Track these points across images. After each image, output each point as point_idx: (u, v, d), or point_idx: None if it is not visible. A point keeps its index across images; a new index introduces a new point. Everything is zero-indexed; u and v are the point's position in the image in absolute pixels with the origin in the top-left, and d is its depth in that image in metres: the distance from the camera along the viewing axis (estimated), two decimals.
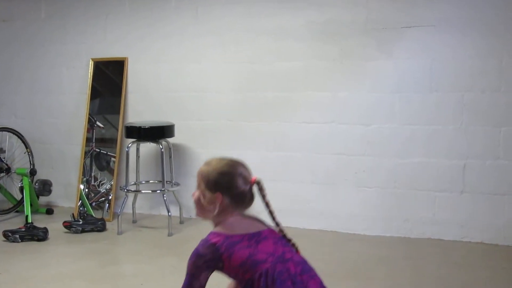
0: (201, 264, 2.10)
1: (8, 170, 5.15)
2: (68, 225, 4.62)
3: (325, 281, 3.53)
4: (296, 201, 4.76)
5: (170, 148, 4.91)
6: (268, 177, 4.84)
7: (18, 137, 5.35)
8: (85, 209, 4.97)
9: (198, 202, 2.26)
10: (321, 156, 4.65)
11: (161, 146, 4.73)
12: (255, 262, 2.07)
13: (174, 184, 4.95)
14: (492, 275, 3.63)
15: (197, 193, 2.27)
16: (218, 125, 4.97)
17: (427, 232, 4.42)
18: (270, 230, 2.21)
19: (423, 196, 4.42)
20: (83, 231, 4.62)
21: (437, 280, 3.54)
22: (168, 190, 4.83)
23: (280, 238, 2.22)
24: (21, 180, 4.98)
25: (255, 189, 2.24)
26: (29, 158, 5.36)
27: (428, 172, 4.39)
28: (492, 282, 3.50)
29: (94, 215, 4.84)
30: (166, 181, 4.86)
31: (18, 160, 5.40)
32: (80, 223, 4.64)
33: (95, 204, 5.18)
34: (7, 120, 5.57)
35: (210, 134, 5.01)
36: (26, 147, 5.37)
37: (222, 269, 2.12)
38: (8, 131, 5.29)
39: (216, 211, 2.20)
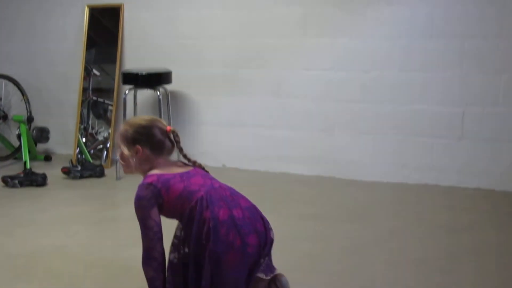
0: (146, 204, 2.27)
1: (5, 118, 5.13)
2: (66, 171, 4.63)
3: (323, 224, 3.59)
4: (294, 148, 4.77)
5: (167, 96, 4.89)
6: (266, 124, 4.91)
7: (14, 84, 5.31)
8: (83, 156, 4.98)
9: (122, 159, 2.44)
10: (320, 103, 4.64)
11: (158, 93, 4.70)
12: (190, 192, 2.26)
13: None
14: (488, 218, 3.67)
15: (119, 152, 2.44)
16: (216, 72, 4.94)
17: (425, 178, 4.44)
18: (195, 169, 2.41)
19: (421, 143, 4.43)
20: (81, 177, 4.63)
21: (434, 223, 3.58)
22: None
23: (205, 173, 2.41)
24: (19, 128, 4.96)
25: (172, 137, 2.41)
26: (26, 105, 5.33)
27: (426, 119, 4.38)
28: (488, 225, 3.54)
29: (91, 162, 4.85)
30: None
31: (15, 107, 5.37)
32: (79, 169, 4.65)
33: (93, 152, 5.18)
34: (2, 67, 5.52)
35: (208, 82, 4.98)
36: (23, 94, 5.34)
37: (162, 205, 2.29)
38: (4, 78, 5.25)
39: (139, 161, 2.37)
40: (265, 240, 2.29)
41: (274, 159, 4.83)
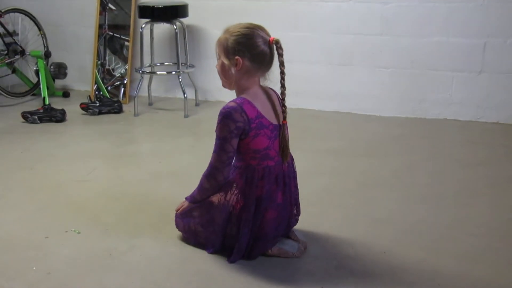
0: (233, 129, 2.22)
1: (22, 53, 5.12)
2: (85, 107, 4.66)
3: (341, 159, 3.60)
4: (312, 82, 4.73)
5: (184, 29, 4.84)
6: (283, 58, 4.81)
7: (31, 18, 5.28)
8: (101, 92, 5.00)
9: (221, 71, 2.34)
10: (338, 36, 4.57)
11: (175, 27, 4.66)
12: (267, 155, 2.26)
13: (189, 66, 4.92)
14: (506, 152, 3.66)
15: (218, 62, 2.34)
16: (232, 4, 4.85)
17: (443, 112, 4.41)
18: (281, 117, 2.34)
19: (440, 77, 4.37)
20: (100, 113, 4.66)
21: (451, 157, 3.58)
22: (183, 72, 4.81)
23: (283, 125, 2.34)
24: (36, 63, 4.97)
25: (273, 48, 2.29)
26: (43, 40, 5.31)
27: (446, 52, 4.31)
28: (505, 159, 3.53)
29: (110, 97, 4.87)
30: (181, 63, 4.82)
31: (32, 42, 5.36)
32: (97, 105, 4.67)
33: (111, 88, 5.19)
34: (17, 1, 5.47)
35: (225, 14, 4.90)
36: (39, 29, 5.31)
37: (241, 140, 2.24)
38: (20, 13, 5.21)
39: (238, 75, 2.28)
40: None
41: (291, 95, 4.76)
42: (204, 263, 2.33)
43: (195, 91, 4.96)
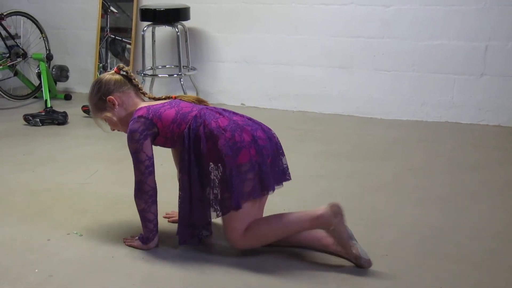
0: (138, 137, 2.33)
1: (24, 56, 5.13)
2: (87, 110, 4.65)
3: (341, 161, 3.60)
4: (312, 85, 4.74)
5: (185, 32, 4.85)
6: (285, 61, 4.87)
7: (33, 21, 5.29)
8: None
9: (110, 121, 2.49)
10: (339, 39, 4.57)
11: (177, 30, 4.67)
12: (184, 114, 2.34)
13: (191, 69, 4.93)
14: (508, 155, 3.66)
15: (107, 121, 2.50)
16: (233, 7, 4.86)
17: (445, 115, 4.41)
18: (178, 99, 2.48)
19: (442, 79, 4.38)
20: None
21: (452, 160, 3.58)
22: (185, 75, 4.82)
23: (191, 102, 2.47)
24: (38, 66, 4.98)
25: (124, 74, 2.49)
26: (45, 43, 5.32)
27: (447, 55, 4.31)
28: (507, 162, 3.53)
29: None
30: (183, 66, 4.84)
31: (34, 45, 5.37)
32: None
33: None
34: (19, 4, 5.49)
35: (226, 17, 4.91)
36: (41, 32, 5.33)
37: (158, 134, 2.35)
38: (22, 15, 5.22)
39: (121, 109, 2.44)
40: (273, 138, 2.39)
41: (292, 97, 4.81)
42: (205, 266, 2.33)
43: (197, 93, 4.97)
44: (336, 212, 2.28)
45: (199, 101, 2.50)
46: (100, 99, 2.45)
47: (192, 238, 2.45)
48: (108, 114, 2.46)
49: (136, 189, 2.41)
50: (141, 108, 2.40)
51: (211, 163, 2.28)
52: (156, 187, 2.42)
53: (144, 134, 2.34)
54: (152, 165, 2.39)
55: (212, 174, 2.29)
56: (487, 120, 4.31)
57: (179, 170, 2.42)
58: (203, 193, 2.34)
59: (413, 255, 2.41)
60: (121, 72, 2.49)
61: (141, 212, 2.43)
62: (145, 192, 2.39)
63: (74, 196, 3.07)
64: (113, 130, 2.57)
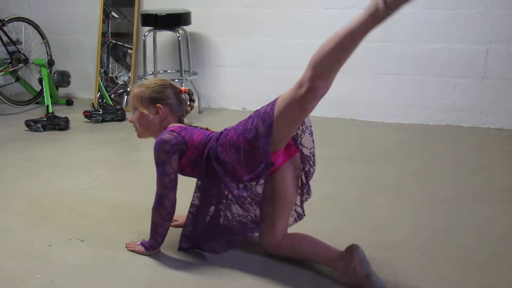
0: (168, 148, 2.32)
1: (26, 61, 5.14)
2: (88, 115, 4.67)
3: (344, 165, 3.60)
4: None
5: (187, 37, 4.85)
6: (286, 65, 4.86)
7: (34, 27, 5.30)
8: (104, 100, 5.01)
9: (140, 122, 2.48)
10: None
11: (178, 35, 4.67)
12: (209, 136, 2.39)
13: (192, 74, 4.93)
14: (510, 158, 3.65)
15: (136, 114, 2.48)
16: (235, 12, 4.87)
17: (446, 119, 4.41)
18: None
19: (443, 83, 4.37)
20: (103, 120, 4.67)
21: (454, 163, 3.58)
22: (186, 80, 4.82)
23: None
24: (40, 71, 4.99)
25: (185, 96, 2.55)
26: (46, 49, 5.34)
27: (449, 58, 4.31)
28: (509, 165, 3.53)
29: (113, 105, 4.88)
30: (184, 71, 4.84)
31: (35, 51, 5.38)
32: (100, 112, 4.68)
33: (114, 96, 5.20)
34: (20, 10, 5.50)
35: (227, 22, 4.92)
36: (43, 38, 5.34)
37: (184, 152, 2.35)
38: (23, 21, 5.24)
39: (159, 121, 2.45)
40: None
41: None
42: (208, 271, 2.33)
43: (198, 98, 4.97)
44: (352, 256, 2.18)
45: None
46: (152, 99, 2.45)
47: (189, 246, 2.46)
48: (146, 113, 2.44)
49: (156, 202, 2.38)
50: (174, 125, 2.44)
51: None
52: (175, 203, 2.39)
53: (175, 148, 2.33)
54: (176, 180, 2.37)
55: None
56: (489, 123, 4.30)
57: (196, 186, 2.41)
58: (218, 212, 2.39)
59: (415, 258, 2.40)
60: (185, 96, 2.54)
61: (154, 225, 2.41)
62: (164, 207, 2.37)
63: (76, 201, 3.06)
64: (133, 123, 2.52)
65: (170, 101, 2.47)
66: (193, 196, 2.41)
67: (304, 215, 2.50)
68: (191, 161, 2.37)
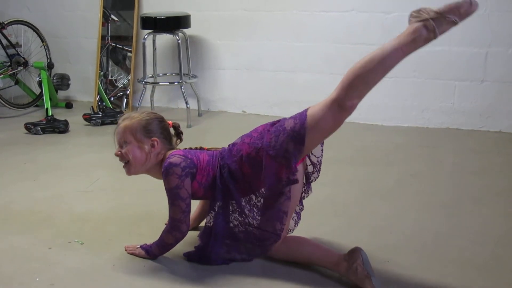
0: (180, 172, 2.26)
1: (25, 64, 5.14)
2: (88, 118, 4.67)
3: (343, 168, 3.60)
4: (314, 92, 4.72)
5: (186, 40, 4.85)
6: (286, 68, 4.87)
7: (34, 30, 5.30)
8: (104, 103, 5.01)
9: (135, 157, 2.36)
10: (340, 46, 4.58)
11: (177, 38, 4.68)
12: (215, 156, 2.36)
13: (192, 77, 4.93)
14: (509, 161, 3.65)
15: (128, 149, 2.36)
16: (234, 15, 4.87)
17: (446, 121, 4.41)
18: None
19: (443, 86, 4.37)
20: (102, 123, 4.67)
21: (454, 166, 3.58)
22: (185, 82, 4.82)
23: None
24: (39, 75, 4.99)
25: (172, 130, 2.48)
26: (46, 52, 5.34)
27: (448, 61, 4.31)
28: (509, 168, 3.53)
29: (112, 108, 4.88)
30: (184, 74, 4.84)
31: (35, 54, 5.38)
32: (100, 115, 4.68)
33: (113, 99, 5.20)
34: (19, 13, 5.51)
35: (227, 25, 4.92)
36: (42, 41, 5.34)
37: (195, 175, 2.30)
38: (23, 24, 5.24)
39: (155, 155, 2.36)
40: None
41: (294, 104, 4.80)
42: (207, 274, 2.32)
43: (198, 101, 4.97)
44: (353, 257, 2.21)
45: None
46: (147, 132, 2.36)
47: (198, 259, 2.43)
48: (139, 146, 2.36)
49: (172, 226, 2.32)
50: (175, 151, 2.37)
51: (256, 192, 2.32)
52: (189, 227, 2.36)
53: (186, 171, 2.27)
54: (190, 203, 2.33)
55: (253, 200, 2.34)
56: (488, 126, 4.31)
57: (211, 208, 2.37)
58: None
59: (416, 260, 2.40)
60: (174, 130, 2.49)
61: (167, 245, 2.38)
62: (181, 232, 2.33)
63: (75, 204, 3.06)
64: (120, 158, 2.42)
65: (165, 134, 2.41)
66: (208, 217, 2.37)
67: (303, 208, 2.52)
68: (202, 184, 2.33)
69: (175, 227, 2.32)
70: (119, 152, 2.40)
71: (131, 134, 2.35)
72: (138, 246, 2.48)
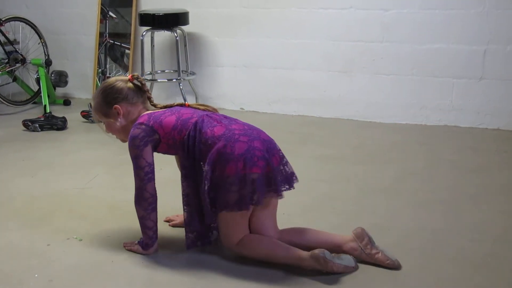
0: (138, 143, 2.33)
1: (23, 61, 5.13)
2: (86, 115, 4.66)
3: (341, 165, 3.60)
4: (312, 89, 4.74)
5: (185, 37, 4.85)
6: (284, 66, 4.87)
7: (31, 27, 5.29)
8: None
9: (112, 130, 2.49)
10: (338, 43, 4.58)
11: (175, 35, 4.67)
12: (184, 120, 2.34)
13: (190, 73, 4.93)
14: (507, 158, 3.66)
15: (105, 125, 2.50)
16: (233, 12, 4.87)
17: (444, 119, 4.41)
18: (181, 106, 2.49)
19: (441, 83, 4.38)
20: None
21: (452, 163, 3.58)
22: (184, 79, 4.82)
23: (194, 109, 2.46)
24: (37, 71, 4.98)
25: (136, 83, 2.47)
26: (44, 49, 5.33)
27: (446, 58, 4.32)
28: (507, 166, 3.53)
29: None
30: (182, 71, 4.84)
31: (33, 51, 5.37)
32: None
33: None
34: (18, 10, 5.50)
35: (225, 22, 4.92)
36: (40, 38, 5.33)
37: (159, 140, 2.34)
38: (20, 21, 5.23)
39: (125, 120, 2.44)
40: (274, 148, 2.34)
41: (292, 101, 4.82)
42: (206, 271, 2.33)
43: (196, 98, 4.97)
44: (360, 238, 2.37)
45: (206, 109, 2.48)
46: (107, 105, 2.43)
47: (198, 242, 2.46)
48: (111, 120, 2.45)
49: (136, 195, 2.41)
50: (142, 116, 2.41)
51: (206, 165, 2.29)
52: (156, 194, 2.41)
53: (145, 140, 2.34)
54: (152, 172, 2.39)
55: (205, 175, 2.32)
56: (486, 123, 4.31)
57: (182, 175, 2.41)
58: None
59: (413, 258, 2.40)
60: (135, 82, 2.47)
61: (141, 219, 2.43)
62: (144, 199, 2.39)
63: (74, 201, 3.06)
64: (108, 133, 2.54)
65: (122, 95, 2.42)
66: (182, 186, 2.42)
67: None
68: (170, 146, 2.37)
69: (139, 196, 2.39)
70: (106, 131, 2.54)
71: (99, 113, 2.48)
72: (136, 243, 2.49)
